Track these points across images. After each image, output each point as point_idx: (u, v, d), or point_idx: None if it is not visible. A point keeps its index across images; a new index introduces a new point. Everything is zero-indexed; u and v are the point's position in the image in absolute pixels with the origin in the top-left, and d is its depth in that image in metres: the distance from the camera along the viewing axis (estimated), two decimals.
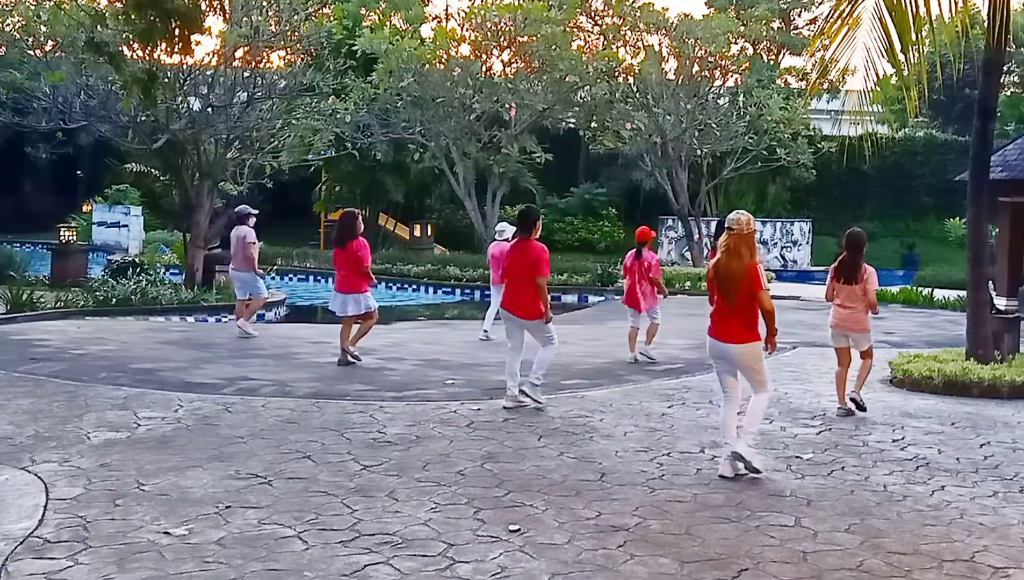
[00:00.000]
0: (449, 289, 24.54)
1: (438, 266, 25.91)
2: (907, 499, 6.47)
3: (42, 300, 15.98)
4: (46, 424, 7.95)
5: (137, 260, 22.36)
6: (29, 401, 8.83)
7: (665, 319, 12.85)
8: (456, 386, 10.22)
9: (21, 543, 5.20)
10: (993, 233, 18.03)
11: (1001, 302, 16.24)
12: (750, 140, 29.46)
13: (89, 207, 33.39)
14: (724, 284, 7.01)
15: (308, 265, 27.72)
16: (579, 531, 5.61)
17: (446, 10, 36.26)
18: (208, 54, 19.66)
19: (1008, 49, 22.32)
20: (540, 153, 28.99)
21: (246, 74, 19.59)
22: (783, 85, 33.54)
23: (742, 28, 30.87)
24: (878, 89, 12.16)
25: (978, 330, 11.45)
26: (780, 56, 39.07)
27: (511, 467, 6.96)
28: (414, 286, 24.89)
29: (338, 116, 24.36)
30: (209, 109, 19.26)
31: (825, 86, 25.80)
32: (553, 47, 27.20)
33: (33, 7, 20.20)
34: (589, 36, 33.00)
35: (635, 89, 29.84)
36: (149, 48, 10.37)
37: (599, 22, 32.93)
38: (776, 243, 33.28)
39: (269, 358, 11.88)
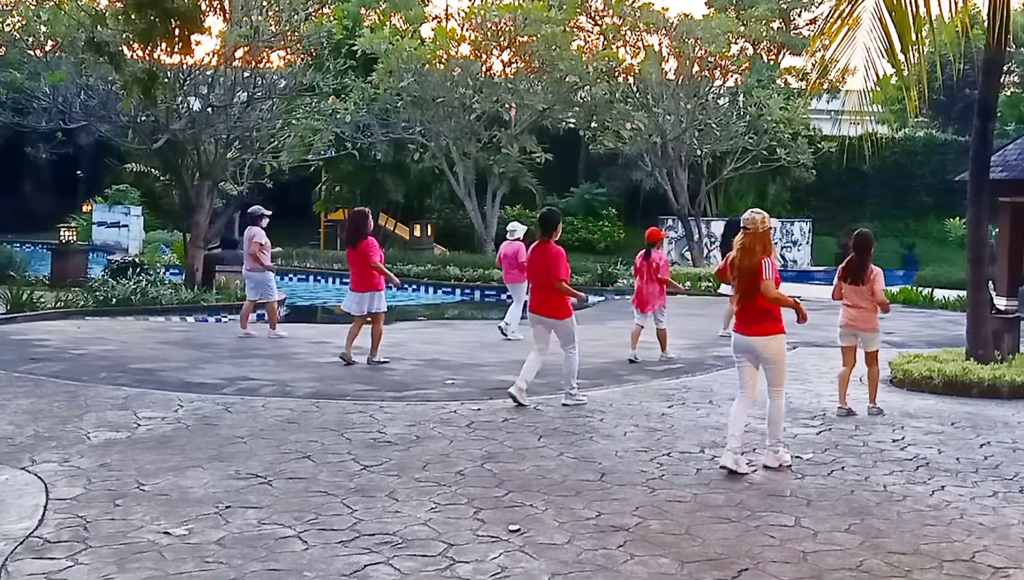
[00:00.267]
0: (449, 289, 24.53)
1: (438, 266, 25.90)
2: (907, 499, 6.47)
3: (42, 300, 15.97)
4: (46, 424, 7.95)
5: (137, 260, 22.36)
6: (29, 401, 8.84)
7: (667, 320, 12.84)
8: (456, 386, 10.22)
9: (21, 543, 5.20)
10: (993, 233, 18.03)
11: (1001, 302, 16.24)
12: (750, 140, 29.46)
13: (89, 207, 33.39)
14: (741, 281, 7.20)
15: (308, 265, 27.70)
16: (579, 531, 5.61)
17: (446, 10, 36.25)
18: (208, 54, 19.68)
19: (1008, 49, 22.31)
20: (540, 153, 28.99)
21: (246, 74, 19.58)
22: (783, 85, 33.55)
23: (742, 28, 30.88)
24: (878, 89, 12.15)
25: (978, 330, 11.44)
26: (780, 56, 39.07)
27: (511, 467, 6.96)
28: (414, 286, 24.87)
29: (338, 116, 24.36)
30: (209, 109, 19.26)
31: (825, 86, 25.86)
32: (553, 47, 27.20)
33: (33, 7, 20.21)
34: (589, 36, 33.01)
35: (635, 89, 29.84)
36: (149, 48, 10.38)
37: (599, 22, 32.94)
38: (776, 243, 33.17)
39: (269, 358, 11.87)
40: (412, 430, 8.03)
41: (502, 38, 28.50)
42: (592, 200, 34.84)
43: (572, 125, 32.73)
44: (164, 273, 19.86)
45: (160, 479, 6.43)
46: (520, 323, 14.25)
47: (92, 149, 32.04)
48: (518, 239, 14.40)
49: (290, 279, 26.16)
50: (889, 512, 6.18)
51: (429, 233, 33.20)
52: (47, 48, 21.87)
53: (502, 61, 29.74)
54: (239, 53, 19.42)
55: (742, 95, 30.80)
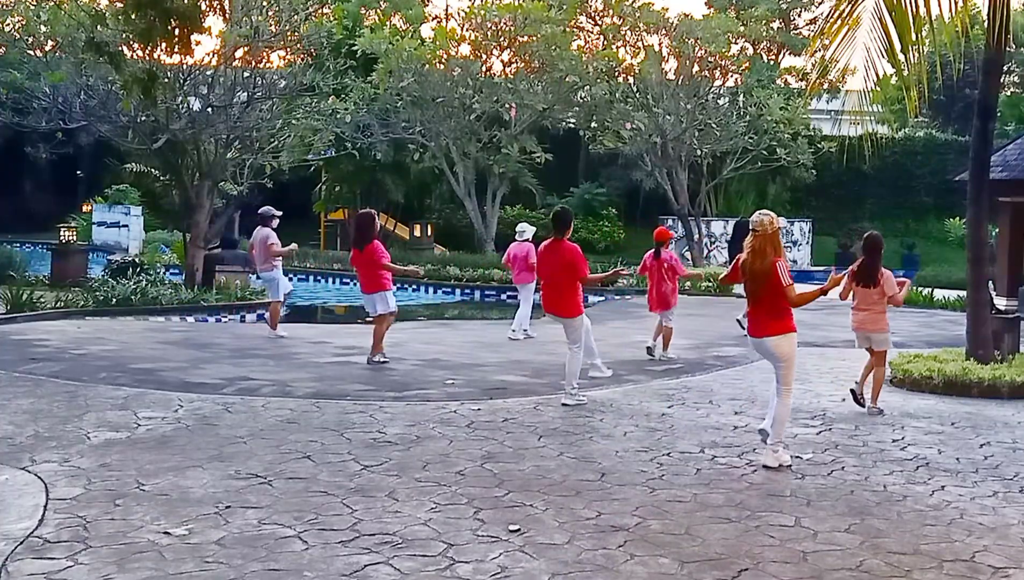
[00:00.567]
0: (449, 289, 24.54)
1: (438, 266, 25.92)
2: (907, 499, 6.47)
3: (42, 300, 15.97)
4: (46, 424, 7.95)
5: (137, 260, 22.35)
6: (29, 401, 8.84)
7: (676, 320, 12.84)
8: (456, 386, 10.22)
9: (21, 543, 5.20)
10: (993, 233, 18.03)
11: (1001, 302, 16.24)
12: (750, 140, 29.46)
13: (89, 207, 33.38)
14: (751, 283, 7.27)
15: (308, 265, 27.71)
16: (579, 531, 5.61)
17: (446, 10, 36.26)
18: (208, 54, 19.69)
19: (1008, 49, 22.33)
20: (540, 153, 28.99)
21: (246, 74, 19.58)
22: (783, 85, 33.54)
23: (742, 28, 30.87)
24: (878, 89, 12.16)
25: (978, 330, 11.44)
26: (780, 56, 39.06)
27: (511, 467, 6.96)
28: (414, 286, 24.88)
29: (338, 116, 24.37)
30: (209, 109, 19.26)
31: (825, 86, 25.86)
32: (553, 47, 27.22)
33: (33, 7, 20.21)
34: (589, 36, 33.02)
35: (635, 89, 29.84)
36: (149, 48, 10.37)
37: (599, 22, 32.94)
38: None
39: (269, 358, 11.87)
40: (412, 430, 8.03)
41: (502, 38, 28.51)
42: (592, 200, 34.84)
43: (572, 125, 32.74)
44: (164, 273, 19.87)
45: (160, 479, 6.43)
46: (531, 322, 14.27)
47: (92, 149, 32.04)
48: (527, 240, 14.43)
49: (290, 279, 26.12)
50: (889, 512, 6.18)
51: (429, 233, 33.20)
52: (47, 48, 21.88)
53: (502, 61, 29.75)
54: (239, 53, 19.42)
55: (742, 95, 30.80)
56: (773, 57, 38.67)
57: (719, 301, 20.78)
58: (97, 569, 4.87)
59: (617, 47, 30.07)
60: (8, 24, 21.38)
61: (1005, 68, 29.81)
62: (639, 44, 29.97)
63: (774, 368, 7.39)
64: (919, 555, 5.41)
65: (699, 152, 30.73)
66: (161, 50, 11.03)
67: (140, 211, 30.16)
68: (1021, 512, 6.28)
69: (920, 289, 21.91)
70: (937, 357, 11.36)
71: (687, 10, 43.68)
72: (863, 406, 9.33)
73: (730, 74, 30.81)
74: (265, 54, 20.74)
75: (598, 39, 32.37)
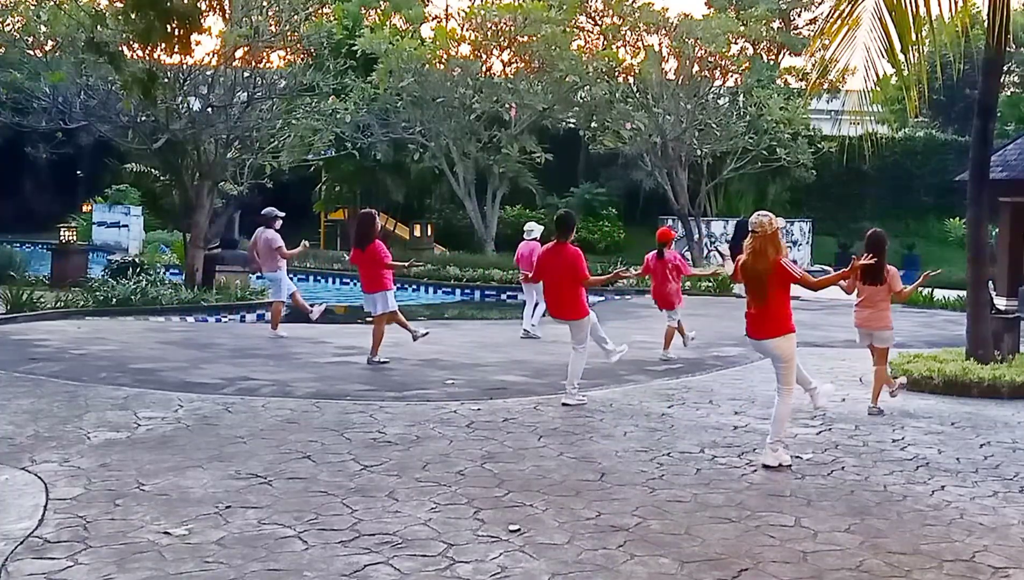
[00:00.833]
0: (449, 289, 24.54)
1: (438, 266, 25.92)
2: (907, 499, 6.47)
3: (42, 300, 15.97)
4: (46, 424, 7.95)
5: (137, 260, 22.34)
6: (29, 401, 8.83)
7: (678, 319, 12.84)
8: (456, 386, 10.21)
9: (21, 543, 5.20)
10: (993, 233, 18.04)
11: (1001, 302, 16.26)
12: (750, 140, 29.46)
13: (89, 207, 33.38)
14: (752, 283, 7.28)
15: (308, 265, 27.71)
16: (579, 531, 5.60)
17: (446, 10, 36.31)
18: (208, 54, 19.69)
19: (1008, 49, 22.33)
20: (540, 153, 29.00)
21: (246, 74, 19.58)
22: (783, 85, 33.57)
23: (742, 28, 30.86)
24: (878, 89, 12.17)
25: (978, 330, 11.44)
26: (780, 56, 39.08)
27: (511, 467, 6.95)
28: (414, 286, 24.89)
29: (338, 116, 24.35)
30: (209, 109, 19.26)
31: (825, 86, 25.82)
32: (553, 47, 27.22)
33: (33, 7, 20.19)
34: (589, 36, 33.02)
35: (635, 89, 29.84)
36: (149, 48, 10.37)
37: (599, 22, 32.94)
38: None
39: (269, 358, 11.87)
40: (412, 430, 8.03)
41: (502, 38, 28.52)
42: (592, 200, 34.85)
43: (572, 125, 32.74)
44: (164, 273, 19.87)
45: (160, 479, 6.42)
46: (541, 320, 14.27)
47: (92, 149, 32.02)
48: (535, 239, 14.46)
49: (290, 279, 26.16)
50: (889, 512, 6.18)
51: (429, 233, 33.20)
52: (47, 48, 21.88)
53: (502, 61, 29.76)
54: (239, 53, 19.42)
55: (742, 95, 30.80)
56: (773, 57, 38.68)
57: (719, 301, 20.77)
58: (97, 569, 4.87)
59: (617, 47, 30.07)
60: (8, 24, 21.36)
61: (1005, 68, 29.80)
62: (639, 44, 29.97)
63: (774, 369, 7.42)
64: (919, 555, 5.41)
65: (699, 152, 30.73)
66: (161, 50, 11.03)
67: (140, 211, 30.17)
68: (1021, 512, 6.28)
69: (920, 289, 21.91)
70: (937, 357, 11.36)
71: (687, 10, 43.70)
72: (893, 395, 9.40)
73: (730, 74, 30.81)
74: (265, 54, 20.73)
75: (598, 39, 32.37)
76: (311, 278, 26.88)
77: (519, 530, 5.57)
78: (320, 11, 23.11)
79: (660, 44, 29.54)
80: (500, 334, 14.97)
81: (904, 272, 29.03)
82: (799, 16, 40.86)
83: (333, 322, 20.52)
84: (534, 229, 14.79)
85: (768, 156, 29.89)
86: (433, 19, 33.99)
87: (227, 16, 18.77)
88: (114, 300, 16.44)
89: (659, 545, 5.42)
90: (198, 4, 9.65)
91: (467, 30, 29.14)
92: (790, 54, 38.93)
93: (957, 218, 32.59)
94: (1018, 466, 7.46)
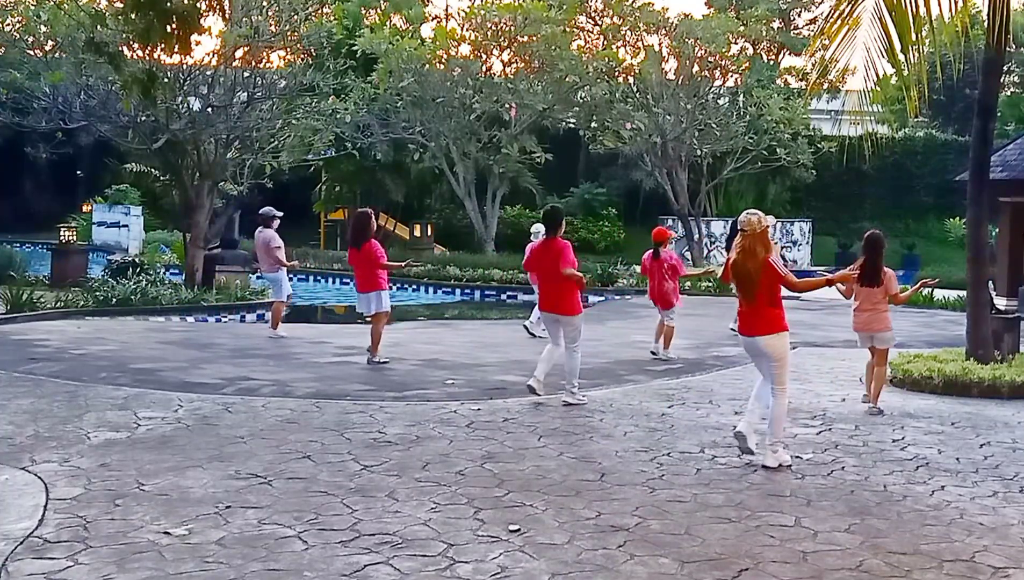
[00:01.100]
0: (449, 289, 24.53)
1: (438, 266, 25.92)
2: (907, 499, 6.47)
3: (42, 300, 15.97)
4: (46, 424, 7.95)
5: (137, 260, 22.35)
6: (29, 401, 8.84)
7: (678, 320, 12.84)
8: (456, 386, 10.22)
9: (21, 543, 5.20)
10: (993, 233, 18.03)
11: (1001, 302, 16.23)
12: (750, 140, 29.46)
13: (89, 207, 33.38)
14: (742, 282, 7.27)
15: (308, 265, 27.72)
16: (579, 531, 5.61)
17: (446, 10, 36.27)
18: (208, 54, 19.68)
19: (1008, 49, 22.32)
20: (540, 153, 28.99)
21: (246, 74, 19.58)
22: (783, 85, 33.56)
23: (742, 28, 30.88)
24: (878, 89, 12.16)
25: (978, 330, 11.44)
26: (780, 56, 39.08)
27: (511, 467, 6.96)
28: (414, 286, 24.89)
29: (338, 116, 24.35)
30: (209, 109, 19.26)
31: (825, 86, 25.86)
32: (553, 47, 27.21)
33: (33, 7, 20.19)
34: (589, 36, 33.02)
35: (635, 89, 29.84)
36: (149, 48, 10.36)
37: (599, 22, 32.94)
38: (776, 243, 33.14)
39: (269, 358, 11.87)
40: (412, 430, 8.03)
41: (502, 38, 28.51)
42: (592, 200, 34.84)
43: (572, 125, 32.73)
44: (164, 273, 19.87)
45: (160, 479, 6.43)
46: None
47: (92, 149, 32.02)
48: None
49: (290, 279, 26.16)
50: (889, 512, 6.18)
51: (429, 233, 33.20)
52: (47, 48, 21.86)
53: (502, 61, 29.76)
54: (239, 53, 19.41)
55: (742, 95, 30.81)
56: (773, 57, 38.68)
57: (719, 301, 20.73)
58: (97, 569, 4.87)
59: (617, 47, 30.07)
60: (8, 24, 21.36)
61: (1005, 68, 29.80)
62: (639, 44, 29.97)
63: (766, 369, 7.36)
64: (919, 555, 5.41)
65: (699, 152, 30.73)
66: (161, 50, 11.02)
67: (140, 211, 30.17)
68: (1021, 512, 6.28)
69: (920, 289, 21.91)
70: (937, 357, 11.35)
71: (687, 10, 43.72)
72: (882, 412, 9.28)
73: (730, 74, 30.81)
74: (265, 54, 20.73)
75: (598, 39, 32.37)
76: (311, 278, 26.90)
77: (519, 530, 5.58)
78: (320, 11, 23.09)
79: (660, 44, 29.55)
80: (500, 334, 14.97)
81: (904, 272, 29.14)
82: (799, 16, 40.87)
83: (333, 322, 20.55)
84: (541, 230, 14.81)
85: (768, 156, 29.89)
86: (433, 19, 33.97)
87: (227, 16, 18.79)
88: (114, 300, 16.44)
89: (659, 545, 5.42)
90: (198, 4, 9.65)
91: (467, 30, 29.13)
92: (790, 54, 38.93)
93: (957, 218, 32.60)
94: (1018, 466, 7.45)
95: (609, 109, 29.14)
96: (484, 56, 29.00)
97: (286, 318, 14.53)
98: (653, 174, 30.86)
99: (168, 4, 8.75)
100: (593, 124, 30.56)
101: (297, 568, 4.95)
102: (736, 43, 31.52)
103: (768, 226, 7.33)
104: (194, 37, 9.25)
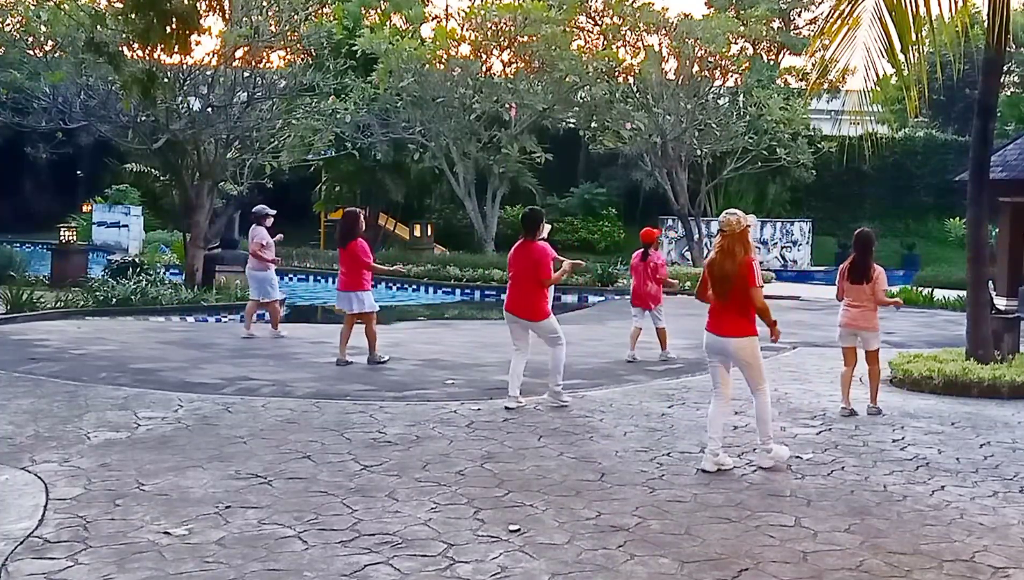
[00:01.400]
0: (449, 289, 24.54)
1: (438, 266, 25.92)
2: (907, 499, 6.47)
3: (42, 300, 15.97)
4: (46, 424, 7.95)
5: (137, 260, 22.36)
6: (29, 401, 8.84)
7: (665, 319, 12.87)
8: (456, 386, 10.22)
9: (21, 543, 5.20)
10: (993, 233, 18.04)
11: (1001, 302, 16.25)
12: (750, 140, 29.45)
13: (89, 207, 33.40)
14: (719, 282, 7.18)
15: (308, 265, 27.73)
16: (579, 531, 5.61)
17: (446, 10, 36.26)
18: (208, 54, 19.71)
19: (1008, 49, 22.33)
20: (540, 153, 28.99)
21: (246, 74, 19.59)
22: (783, 85, 33.55)
23: (742, 28, 30.86)
24: (878, 89, 12.16)
25: (978, 330, 11.44)
26: (780, 56, 39.08)
27: (511, 467, 6.96)
28: (414, 286, 24.89)
29: (338, 116, 24.37)
30: (209, 109, 19.26)
31: (825, 86, 25.84)
32: (553, 47, 27.21)
33: (33, 7, 20.21)
34: (589, 36, 33.00)
35: (635, 89, 29.83)
36: (149, 48, 10.37)
37: (599, 22, 32.92)
38: (776, 243, 33.28)
39: (269, 358, 11.87)
40: (412, 430, 8.03)
41: (502, 38, 28.51)
42: (592, 200, 34.85)
43: (572, 125, 32.73)
44: (164, 273, 19.87)
45: (160, 479, 6.43)
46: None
47: (92, 149, 32.04)
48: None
49: (290, 279, 26.20)
50: (889, 512, 6.18)
51: (429, 233, 33.21)
52: (47, 48, 21.90)
53: (502, 61, 29.76)
54: (239, 53, 19.43)
55: (742, 95, 30.79)
56: (773, 57, 38.68)
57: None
58: (97, 569, 4.87)
59: (617, 47, 30.05)
60: (8, 24, 21.38)
61: (1005, 68, 29.80)
62: (639, 44, 29.94)
63: (741, 373, 7.21)
64: (919, 555, 5.41)
65: (699, 152, 30.71)
66: (161, 50, 11.03)
67: (140, 211, 30.19)
68: (1021, 512, 6.28)
69: (920, 289, 21.92)
70: (937, 357, 11.35)
71: (687, 10, 43.69)
72: (882, 412, 9.26)
73: (730, 74, 30.79)
74: (265, 54, 20.75)
75: (598, 39, 32.35)
76: (311, 278, 26.90)
77: (519, 530, 5.58)
78: (320, 11, 23.10)
79: (660, 44, 29.52)
80: (500, 334, 14.90)
81: (905, 272, 29.11)
82: (799, 16, 40.88)
83: (333, 322, 20.53)
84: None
85: (768, 156, 29.88)
86: (433, 19, 33.96)
87: (227, 16, 18.80)
88: (114, 300, 16.45)
89: (659, 545, 5.42)
90: (198, 4, 9.66)
91: (467, 30, 29.13)
92: (790, 54, 38.94)
93: (957, 218, 32.61)
94: (1018, 466, 7.46)
95: (609, 109, 29.13)
96: (484, 56, 29.00)
97: (286, 318, 14.54)
98: (653, 174, 30.85)
99: (168, 4, 8.76)
100: (593, 124, 30.56)
101: (297, 568, 4.95)
102: (736, 43, 31.50)
103: (749, 226, 7.17)
104: (194, 37, 9.28)
